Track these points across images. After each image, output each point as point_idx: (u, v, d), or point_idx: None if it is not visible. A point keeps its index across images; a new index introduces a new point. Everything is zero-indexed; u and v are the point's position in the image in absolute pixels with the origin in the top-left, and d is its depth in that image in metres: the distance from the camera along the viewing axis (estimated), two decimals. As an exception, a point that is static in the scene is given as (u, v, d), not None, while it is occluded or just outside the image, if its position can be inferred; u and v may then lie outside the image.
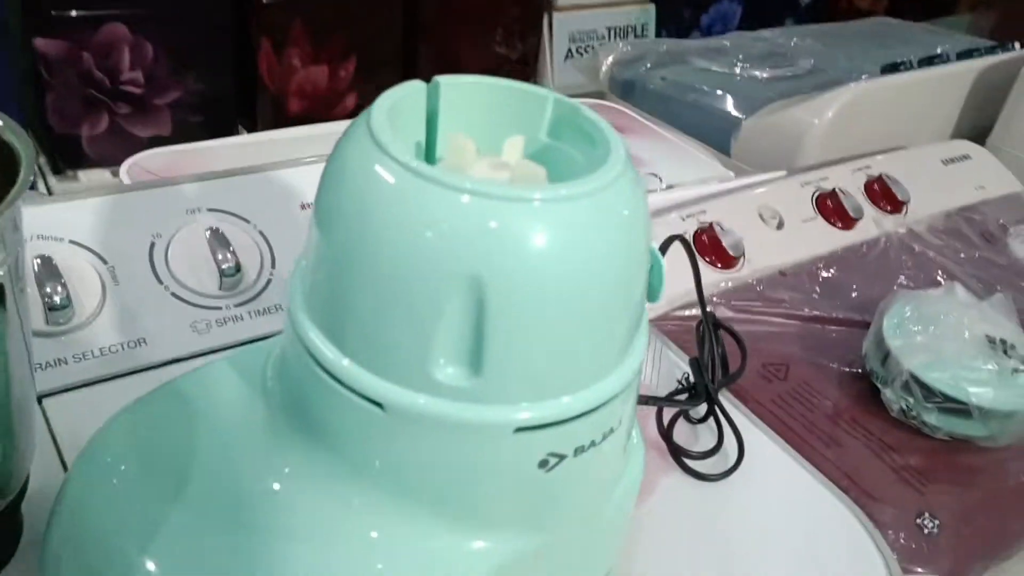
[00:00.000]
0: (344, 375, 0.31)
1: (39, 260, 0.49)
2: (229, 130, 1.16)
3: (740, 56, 1.28)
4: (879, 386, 0.66)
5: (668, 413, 0.52)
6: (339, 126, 1.09)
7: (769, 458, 0.52)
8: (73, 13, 1.43)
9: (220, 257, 0.53)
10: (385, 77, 1.26)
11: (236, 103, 1.14)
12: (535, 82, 1.44)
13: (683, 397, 0.53)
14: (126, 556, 0.32)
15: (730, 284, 0.83)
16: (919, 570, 0.52)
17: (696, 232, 0.87)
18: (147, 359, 0.50)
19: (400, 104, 0.33)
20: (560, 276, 0.29)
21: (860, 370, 0.70)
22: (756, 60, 1.27)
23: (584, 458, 0.33)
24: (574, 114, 0.35)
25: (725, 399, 0.55)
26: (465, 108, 0.35)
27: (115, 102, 1.10)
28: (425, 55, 1.25)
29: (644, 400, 0.49)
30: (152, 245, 0.53)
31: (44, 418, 0.46)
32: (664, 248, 0.53)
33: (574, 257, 0.29)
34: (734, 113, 1.17)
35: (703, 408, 0.53)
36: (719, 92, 1.21)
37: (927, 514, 0.59)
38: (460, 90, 0.35)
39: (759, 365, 0.73)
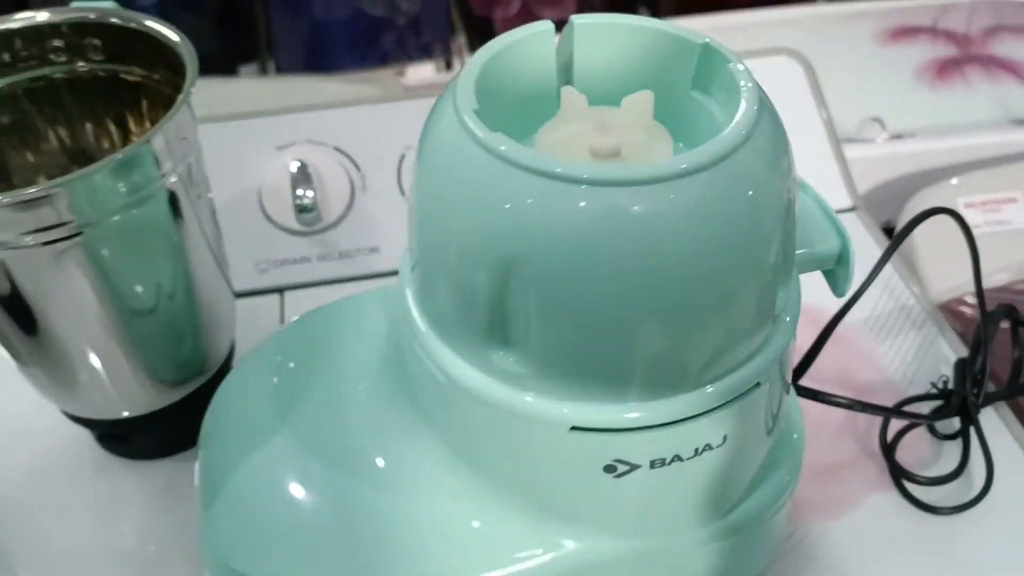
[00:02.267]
0: (423, 341, 0.30)
1: (298, 163, 0.53)
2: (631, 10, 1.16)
3: None
4: None
5: (893, 428, 0.43)
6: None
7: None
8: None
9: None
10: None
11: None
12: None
13: (925, 407, 0.43)
14: (221, 484, 0.34)
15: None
16: None
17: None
18: (378, 267, 0.53)
19: (517, 50, 0.30)
20: (621, 269, 0.25)
21: None
22: None
23: (667, 472, 0.29)
24: (723, 64, 0.28)
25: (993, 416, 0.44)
26: (603, 49, 0.31)
27: (527, -15, 1.15)
28: None
29: (855, 405, 0.40)
30: (402, 157, 0.55)
31: (280, 308, 0.51)
32: (920, 220, 0.42)
33: (643, 247, 0.25)
34: None
35: (956, 430, 0.43)
36: None
37: None
38: (597, 28, 0.30)
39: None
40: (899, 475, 0.41)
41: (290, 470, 0.33)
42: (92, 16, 0.37)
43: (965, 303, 0.54)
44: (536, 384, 0.28)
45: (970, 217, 0.74)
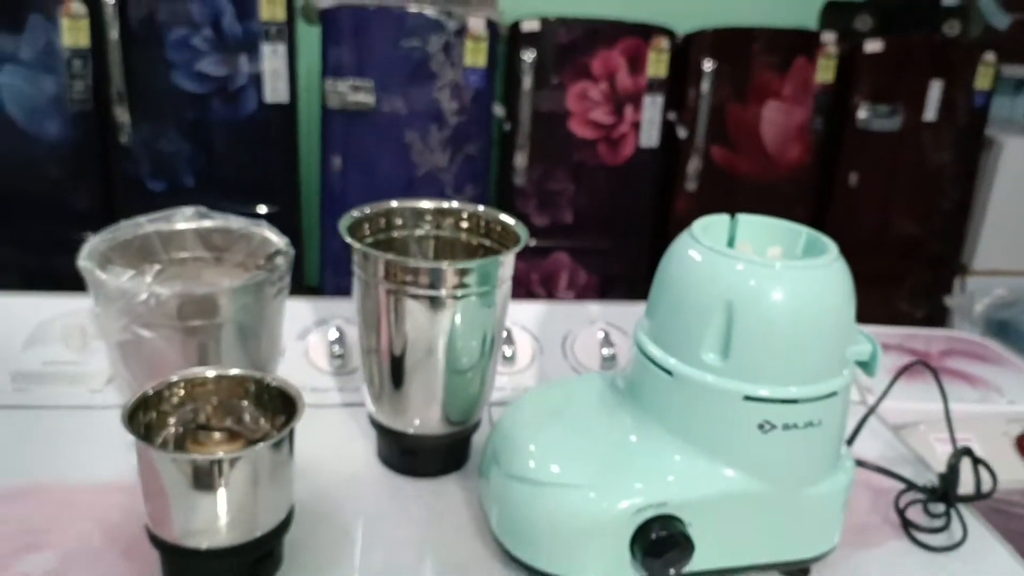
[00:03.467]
0: (656, 358, 0.57)
1: (506, 332, 0.81)
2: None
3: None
4: None
5: (903, 501, 0.68)
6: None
7: (990, 552, 0.64)
8: (532, 243, 1.93)
9: (605, 351, 0.82)
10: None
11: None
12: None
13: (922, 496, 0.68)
14: (523, 444, 0.59)
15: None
16: None
17: (1018, 436, 0.98)
18: (550, 399, 0.79)
19: (713, 224, 0.60)
20: (780, 312, 0.53)
21: None
22: None
23: (791, 434, 0.54)
24: (818, 240, 0.58)
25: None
26: (753, 231, 0.61)
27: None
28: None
29: (885, 471, 0.66)
30: (565, 337, 0.84)
31: (488, 417, 0.76)
32: (904, 369, 0.71)
33: (791, 302, 0.53)
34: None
35: (941, 511, 0.68)
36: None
37: None
38: (750, 221, 0.61)
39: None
40: (908, 527, 0.65)
41: (568, 442, 0.58)
42: (470, 208, 0.68)
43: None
44: (726, 371, 0.54)
45: (937, 447, 1.01)
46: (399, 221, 0.67)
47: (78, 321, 0.75)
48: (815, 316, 0.54)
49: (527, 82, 2.24)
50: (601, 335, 0.84)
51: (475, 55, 2.21)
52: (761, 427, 0.54)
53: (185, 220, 0.65)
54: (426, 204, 0.68)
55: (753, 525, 0.56)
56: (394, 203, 0.67)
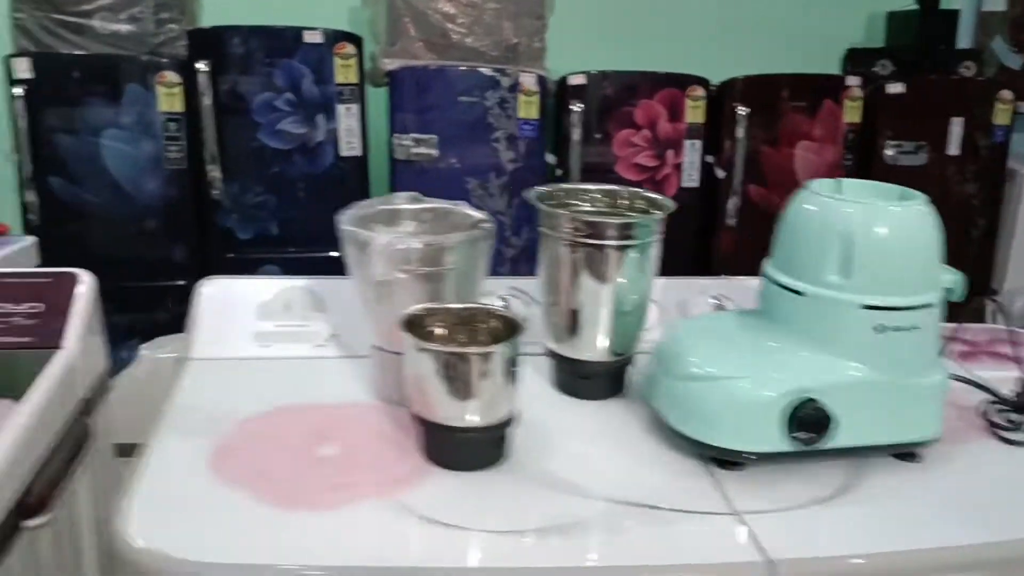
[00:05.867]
0: (786, 283, 0.74)
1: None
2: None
3: None
4: None
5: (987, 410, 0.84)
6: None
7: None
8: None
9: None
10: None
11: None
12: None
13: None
14: (682, 356, 0.76)
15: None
16: None
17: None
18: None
19: (823, 184, 0.78)
20: (888, 240, 0.70)
21: None
22: None
23: (899, 335, 0.71)
24: (907, 192, 0.76)
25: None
26: (854, 189, 0.79)
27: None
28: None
29: (973, 383, 0.84)
30: (678, 304, 1.01)
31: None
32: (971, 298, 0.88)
33: (895, 233, 0.70)
34: None
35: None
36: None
37: None
38: (851, 183, 0.79)
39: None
40: (994, 427, 0.81)
41: (720, 350, 0.75)
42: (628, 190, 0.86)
43: None
44: (847, 288, 0.71)
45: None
46: (568, 200, 0.86)
47: (292, 296, 0.93)
48: (912, 243, 0.72)
49: (575, 132, 2.44)
50: (715, 301, 1.01)
51: (527, 108, 2.41)
52: (876, 329, 0.71)
53: (403, 202, 0.84)
54: (592, 186, 0.87)
55: (874, 410, 0.73)
56: (569, 185, 0.86)
